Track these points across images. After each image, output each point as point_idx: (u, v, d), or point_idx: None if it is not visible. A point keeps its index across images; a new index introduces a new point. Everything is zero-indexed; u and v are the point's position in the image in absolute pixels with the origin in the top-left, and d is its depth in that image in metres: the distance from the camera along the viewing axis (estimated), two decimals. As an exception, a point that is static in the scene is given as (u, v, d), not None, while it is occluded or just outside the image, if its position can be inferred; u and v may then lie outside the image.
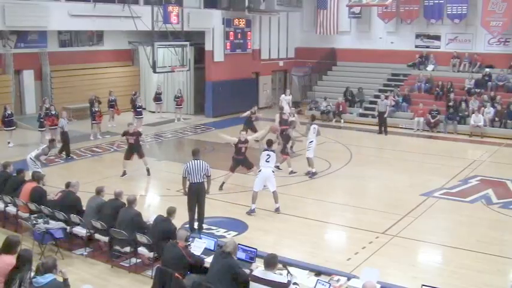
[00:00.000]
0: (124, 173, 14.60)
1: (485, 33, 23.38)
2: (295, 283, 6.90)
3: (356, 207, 12.50)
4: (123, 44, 25.29)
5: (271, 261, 6.76)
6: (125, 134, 14.68)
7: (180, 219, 10.75)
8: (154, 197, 13.68)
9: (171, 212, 8.80)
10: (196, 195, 10.28)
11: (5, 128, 17.88)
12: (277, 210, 11.76)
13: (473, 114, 20.79)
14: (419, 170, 16.02)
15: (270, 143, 12.09)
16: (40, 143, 17.12)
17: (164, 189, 13.79)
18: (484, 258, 9.59)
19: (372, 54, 26.02)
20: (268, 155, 11.72)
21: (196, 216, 10.40)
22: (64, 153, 16.61)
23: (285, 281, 6.68)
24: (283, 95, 22.77)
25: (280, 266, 7.23)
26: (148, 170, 14.68)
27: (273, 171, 11.86)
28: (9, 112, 18.01)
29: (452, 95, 21.97)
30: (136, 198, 9.43)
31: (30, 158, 12.86)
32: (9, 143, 17.87)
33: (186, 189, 10.35)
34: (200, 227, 10.40)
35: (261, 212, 11.82)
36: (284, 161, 14.97)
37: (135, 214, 9.06)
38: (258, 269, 7.00)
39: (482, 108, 21.08)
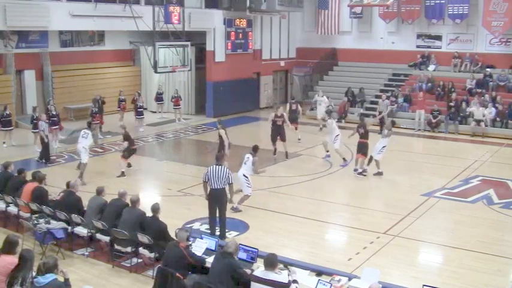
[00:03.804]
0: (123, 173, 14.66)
1: (487, 33, 23.37)
2: (294, 280, 6.89)
3: (357, 207, 12.50)
4: (124, 44, 25.30)
5: (271, 261, 6.76)
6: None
7: (181, 219, 10.81)
8: (155, 197, 13.66)
9: (155, 209, 8.79)
10: (216, 201, 10.05)
11: (2, 128, 17.82)
12: (233, 209, 11.53)
13: (474, 107, 20.81)
14: (421, 170, 16.02)
15: (255, 148, 12.09)
16: (34, 145, 17.14)
17: (165, 189, 13.80)
18: (484, 258, 9.58)
19: (373, 54, 26.03)
20: (247, 157, 11.75)
21: (218, 224, 10.18)
22: (43, 159, 15.82)
23: (286, 281, 6.68)
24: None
25: (281, 266, 7.24)
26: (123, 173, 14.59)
27: (245, 175, 11.59)
28: (8, 112, 17.90)
29: (454, 95, 21.95)
30: (140, 198, 9.42)
31: (84, 148, 14.01)
32: (4, 143, 17.82)
33: (207, 194, 10.12)
34: (223, 234, 10.05)
35: (261, 212, 11.84)
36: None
37: (140, 214, 9.05)
38: (259, 269, 7.00)
39: (483, 108, 21.08)
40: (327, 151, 16.27)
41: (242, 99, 24.97)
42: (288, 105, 19.16)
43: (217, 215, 10.17)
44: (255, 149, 12.04)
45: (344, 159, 15.98)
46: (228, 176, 10.01)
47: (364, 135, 14.81)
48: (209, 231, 10.18)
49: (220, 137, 14.42)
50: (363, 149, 14.78)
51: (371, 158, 14.85)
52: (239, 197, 11.71)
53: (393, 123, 15.59)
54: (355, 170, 14.91)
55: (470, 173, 15.29)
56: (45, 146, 15.90)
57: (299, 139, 18.59)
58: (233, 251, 7.16)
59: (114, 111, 21.90)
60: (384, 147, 14.72)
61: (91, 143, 14.71)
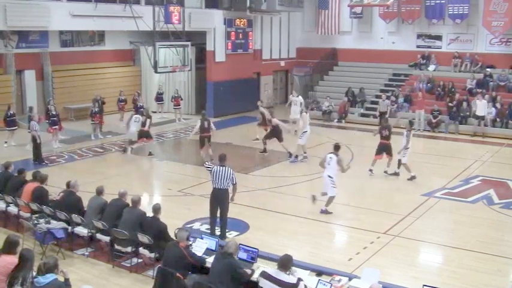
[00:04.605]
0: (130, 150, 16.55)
1: (487, 33, 23.38)
2: (299, 278, 6.89)
3: (357, 207, 12.50)
4: (124, 44, 25.28)
5: (284, 263, 6.78)
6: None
7: (181, 219, 10.81)
8: (155, 197, 13.67)
9: (156, 209, 8.80)
10: (218, 201, 10.03)
11: (7, 128, 17.86)
12: (322, 211, 11.74)
13: (477, 101, 20.83)
14: (421, 170, 15.95)
15: (337, 147, 11.98)
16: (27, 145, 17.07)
17: (165, 189, 13.80)
18: (484, 258, 9.59)
19: (373, 54, 26.04)
20: (330, 157, 11.72)
21: (219, 224, 10.18)
22: (37, 159, 15.81)
23: (295, 281, 6.71)
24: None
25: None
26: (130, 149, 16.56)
27: (330, 176, 11.64)
28: (12, 112, 17.95)
29: (457, 95, 21.90)
30: (141, 198, 9.41)
31: (137, 131, 16.53)
32: (5, 142, 17.79)
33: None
34: (223, 235, 10.04)
35: (261, 212, 11.84)
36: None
37: (140, 214, 9.05)
38: (271, 268, 7.02)
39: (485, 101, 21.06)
40: (304, 152, 16.46)
41: (242, 99, 24.95)
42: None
43: (219, 215, 10.16)
44: (336, 148, 12.00)
45: (296, 156, 16.40)
46: (232, 177, 9.96)
47: (388, 137, 14.97)
48: (209, 231, 10.17)
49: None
50: (386, 149, 14.91)
51: (399, 162, 14.87)
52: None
53: (411, 124, 15.61)
54: (370, 170, 14.95)
55: (471, 173, 15.29)
56: (36, 146, 15.82)
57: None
58: (233, 251, 7.17)
59: (114, 111, 21.90)
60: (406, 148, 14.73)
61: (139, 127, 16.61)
